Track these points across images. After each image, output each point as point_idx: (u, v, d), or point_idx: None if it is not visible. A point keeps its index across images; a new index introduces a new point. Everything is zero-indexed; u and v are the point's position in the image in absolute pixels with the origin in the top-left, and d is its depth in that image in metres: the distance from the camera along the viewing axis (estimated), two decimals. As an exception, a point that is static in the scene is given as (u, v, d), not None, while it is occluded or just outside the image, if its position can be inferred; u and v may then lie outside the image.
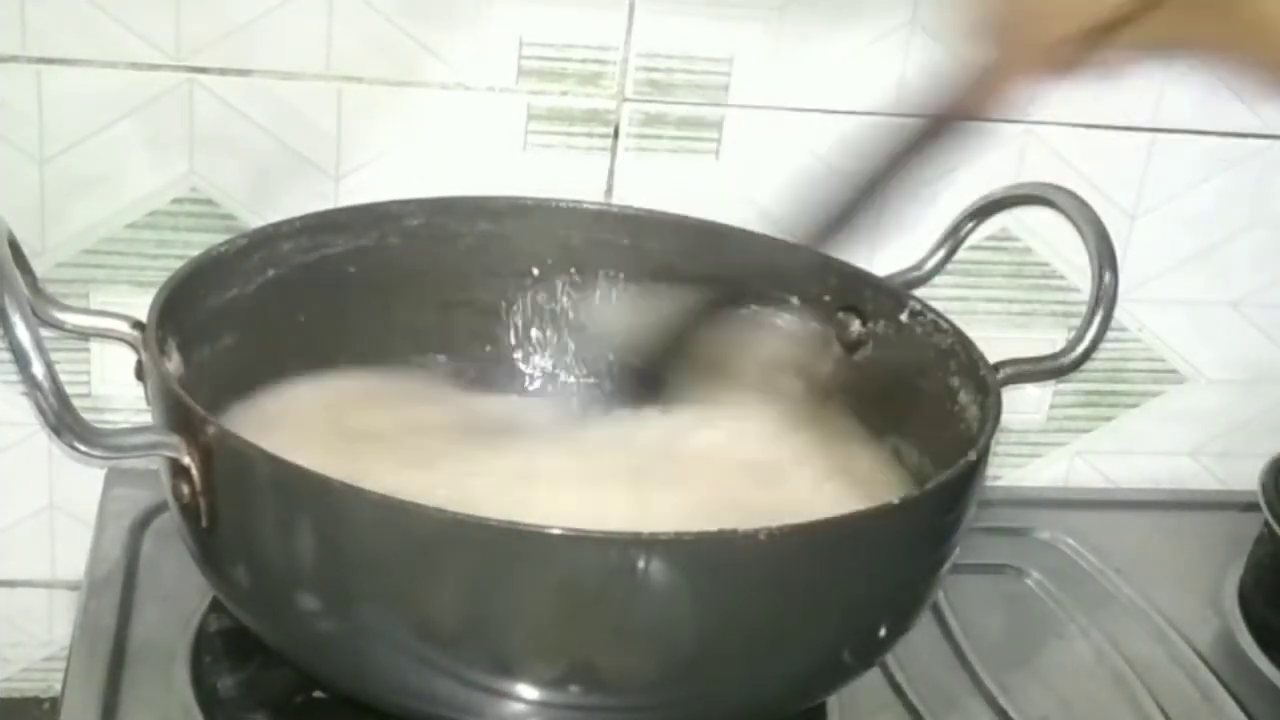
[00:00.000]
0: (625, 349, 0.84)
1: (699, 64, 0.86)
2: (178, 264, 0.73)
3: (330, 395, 0.78)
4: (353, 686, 0.65)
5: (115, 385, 0.86)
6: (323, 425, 0.75)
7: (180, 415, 0.62)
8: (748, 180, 0.88)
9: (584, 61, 0.85)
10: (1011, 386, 0.73)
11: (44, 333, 0.59)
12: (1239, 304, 0.96)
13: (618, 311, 0.84)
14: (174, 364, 0.69)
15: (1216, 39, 0.60)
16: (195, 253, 0.74)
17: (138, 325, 0.69)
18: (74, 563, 0.85)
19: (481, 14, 0.83)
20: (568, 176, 0.86)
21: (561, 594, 0.58)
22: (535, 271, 0.84)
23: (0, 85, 0.80)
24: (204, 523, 0.62)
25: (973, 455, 0.65)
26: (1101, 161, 0.91)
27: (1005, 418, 0.69)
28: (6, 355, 0.64)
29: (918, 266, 0.83)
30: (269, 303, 0.76)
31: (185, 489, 0.62)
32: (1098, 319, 0.75)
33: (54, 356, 0.58)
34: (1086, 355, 0.76)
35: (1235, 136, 0.92)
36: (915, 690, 0.76)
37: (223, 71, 0.81)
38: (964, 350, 0.74)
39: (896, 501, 0.66)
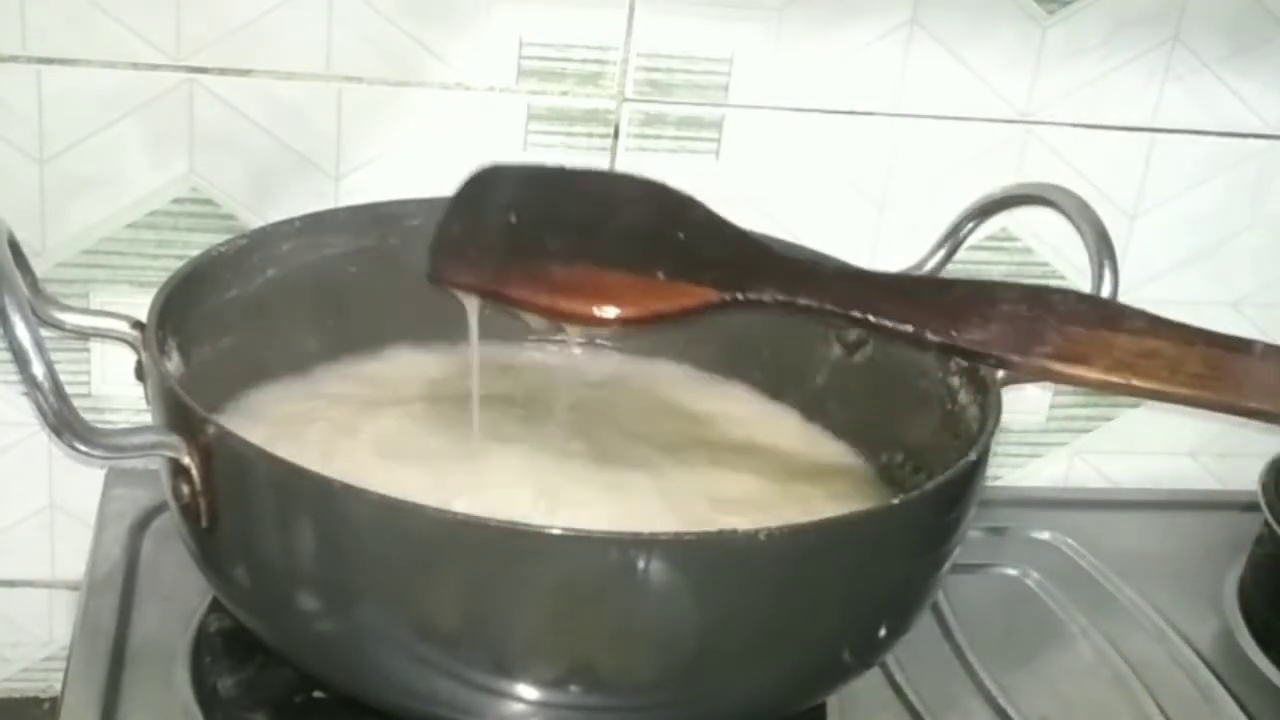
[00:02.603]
0: (625, 346, 0.84)
1: (699, 64, 0.86)
2: (178, 264, 0.73)
3: (330, 394, 0.78)
4: (353, 686, 0.65)
5: (115, 385, 0.86)
6: (323, 424, 0.75)
7: (180, 415, 0.62)
8: (748, 180, 0.88)
9: (584, 61, 0.85)
10: (1011, 386, 0.73)
11: (44, 333, 0.59)
12: (1239, 304, 0.96)
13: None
14: (174, 364, 0.69)
15: None
16: (195, 253, 0.74)
17: (138, 325, 0.69)
18: (74, 563, 0.85)
19: (481, 14, 0.83)
20: (568, 176, 0.86)
21: (561, 594, 0.58)
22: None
23: (0, 85, 0.80)
24: (204, 523, 0.62)
25: (973, 455, 0.65)
26: (1101, 161, 0.91)
27: (1005, 418, 0.68)
28: (6, 355, 0.64)
29: (918, 266, 0.83)
30: (269, 303, 0.76)
31: (185, 489, 0.62)
32: (1098, 319, 0.75)
33: (54, 356, 0.58)
34: (1087, 355, 0.76)
35: (1235, 136, 0.92)
36: (915, 690, 0.76)
37: (223, 71, 0.81)
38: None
39: (896, 501, 0.66)
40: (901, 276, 0.64)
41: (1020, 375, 0.66)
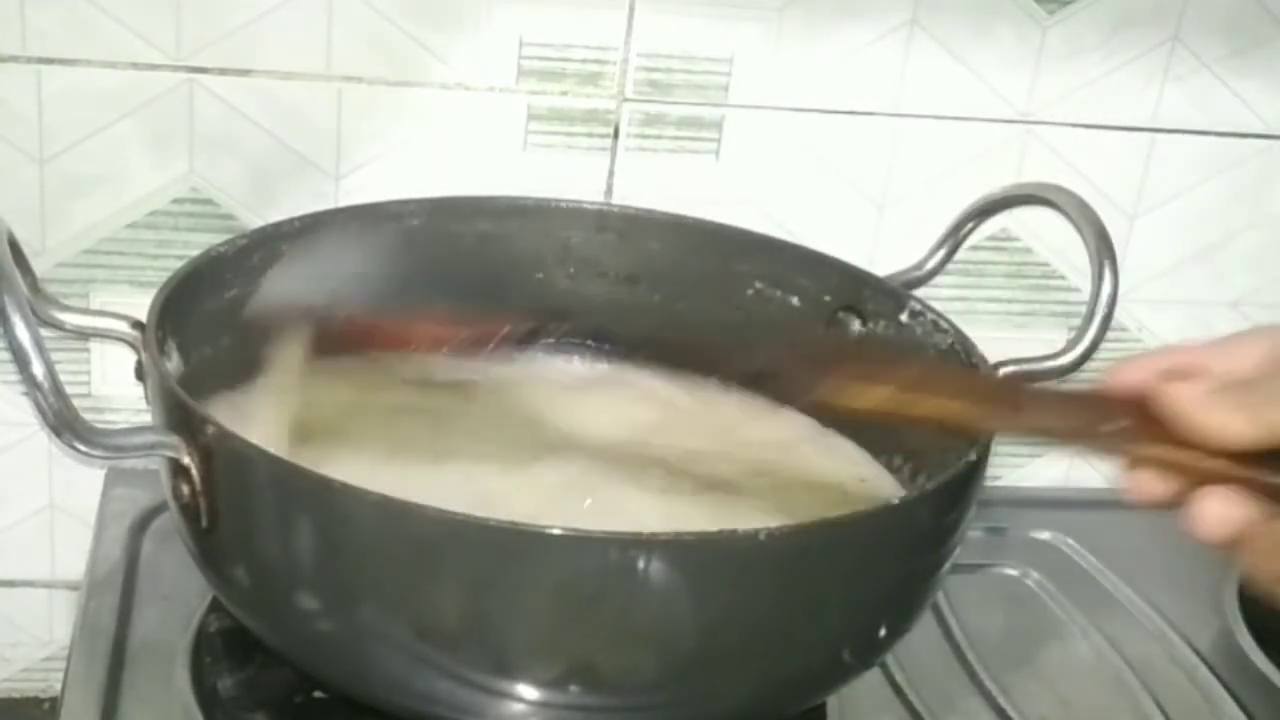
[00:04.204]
0: (625, 346, 0.85)
1: (699, 64, 0.86)
2: (178, 264, 0.73)
3: (330, 394, 0.78)
4: (353, 686, 0.65)
5: (115, 385, 0.86)
6: (323, 424, 0.75)
7: (180, 415, 0.62)
8: (748, 180, 0.88)
9: (584, 61, 0.85)
10: (1012, 386, 0.73)
11: (44, 333, 0.59)
12: (1238, 304, 0.96)
13: (618, 311, 0.84)
14: (174, 364, 0.69)
15: None
16: (195, 253, 0.74)
17: (138, 325, 0.69)
18: (74, 563, 0.85)
19: (481, 14, 0.83)
20: (568, 176, 0.86)
21: (561, 594, 0.58)
22: (537, 273, 0.84)
23: (0, 85, 0.80)
24: (204, 523, 0.62)
25: (973, 455, 0.65)
26: (1101, 161, 0.91)
27: (1005, 418, 0.68)
28: (6, 355, 0.64)
29: (918, 266, 0.83)
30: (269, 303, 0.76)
31: (185, 489, 0.62)
32: (1097, 319, 0.75)
33: (54, 356, 0.58)
34: (1086, 355, 0.76)
35: (1235, 136, 0.92)
36: (915, 690, 0.76)
37: (223, 71, 0.81)
38: (964, 350, 0.74)
39: (896, 501, 0.66)
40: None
41: (812, 398, 0.67)
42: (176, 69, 0.81)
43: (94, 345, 0.85)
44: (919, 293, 0.79)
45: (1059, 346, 0.77)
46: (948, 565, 0.67)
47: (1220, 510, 0.54)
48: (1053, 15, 0.87)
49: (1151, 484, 0.57)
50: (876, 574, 0.63)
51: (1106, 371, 0.59)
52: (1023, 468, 0.98)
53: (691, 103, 0.86)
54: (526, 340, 0.69)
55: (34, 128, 0.81)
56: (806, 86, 0.87)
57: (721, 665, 0.61)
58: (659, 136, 0.87)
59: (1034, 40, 0.88)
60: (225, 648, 0.73)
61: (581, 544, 0.57)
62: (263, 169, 0.83)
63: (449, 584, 0.59)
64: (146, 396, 0.67)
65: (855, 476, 0.76)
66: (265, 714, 0.70)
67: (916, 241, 0.84)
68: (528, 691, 0.60)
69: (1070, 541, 0.91)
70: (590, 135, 0.86)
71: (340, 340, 0.71)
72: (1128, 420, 0.57)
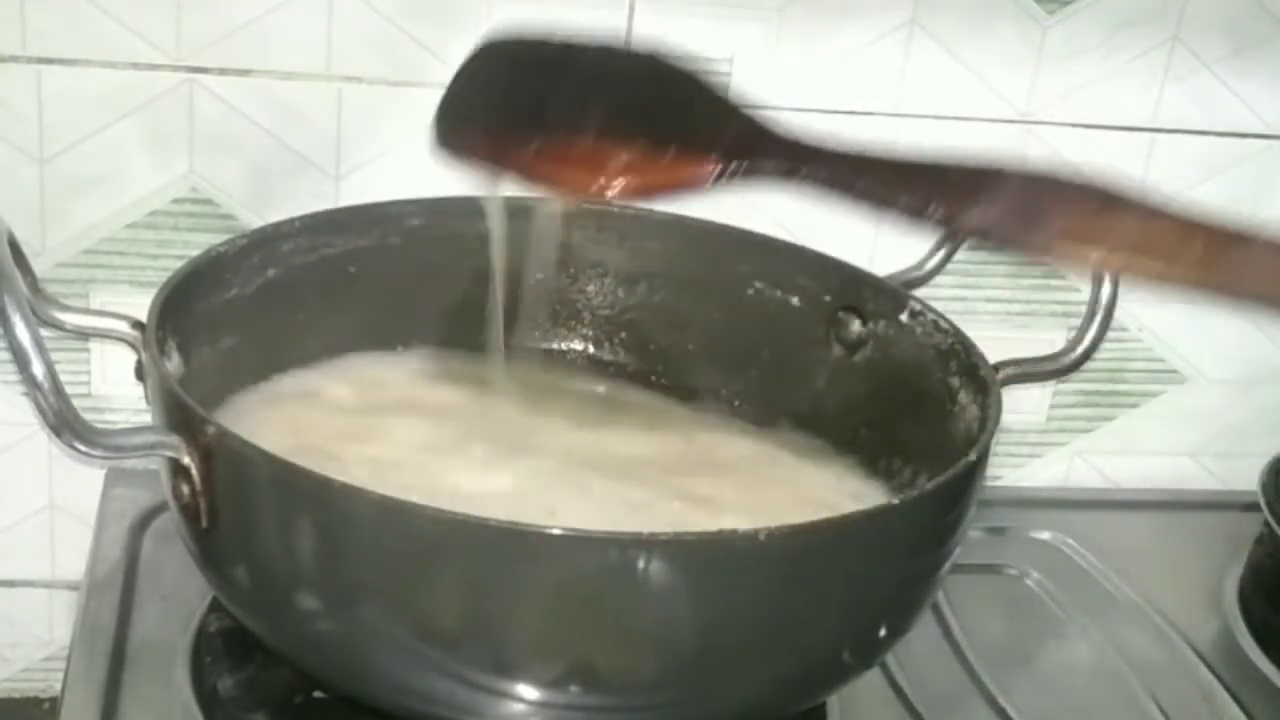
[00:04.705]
0: (625, 346, 0.85)
1: (699, 64, 0.85)
2: (178, 264, 0.73)
3: (331, 395, 0.78)
4: (353, 686, 0.65)
5: (115, 385, 0.86)
6: (321, 425, 0.75)
7: (180, 415, 0.62)
8: (748, 180, 0.88)
9: (584, 61, 0.85)
10: (1011, 386, 0.73)
11: (44, 333, 0.59)
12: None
13: (618, 311, 0.85)
14: (174, 364, 0.69)
15: None
16: (195, 253, 0.74)
17: (138, 325, 0.69)
18: (74, 563, 0.85)
19: (481, 14, 0.83)
20: (568, 176, 0.86)
21: (561, 594, 0.58)
22: (537, 273, 0.83)
23: (0, 85, 0.80)
24: (204, 523, 0.62)
25: (973, 455, 0.65)
26: (1101, 161, 0.91)
27: (1005, 418, 0.68)
28: (6, 355, 0.64)
29: (918, 266, 0.83)
30: (269, 303, 0.76)
31: (185, 489, 0.62)
32: (1098, 319, 0.75)
33: (54, 356, 0.58)
34: (1086, 355, 0.76)
35: (1235, 136, 0.92)
36: (915, 690, 0.76)
37: (223, 71, 0.81)
38: (964, 350, 0.74)
39: (896, 501, 0.66)
40: (902, 159, 0.62)
41: (1026, 253, 0.65)
42: (176, 69, 0.81)
43: (94, 345, 0.85)
44: (919, 293, 0.79)
45: (1059, 346, 0.77)
46: (948, 565, 0.67)
47: None
48: (1053, 15, 0.87)
49: None
50: (876, 574, 0.63)
51: None
52: (1022, 468, 0.98)
53: (691, 103, 0.86)
54: (723, 179, 0.63)
55: (34, 128, 0.81)
56: (806, 86, 0.87)
57: (721, 665, 0.61)
58: (659, 136, 0.87)
59: (1034, 40, 0.88)
60: (225, 648, 0.73)
61: (581, 544, 0.57)
62: (263, 169, 0.83)
63: (449, 584, 0.59)
64: (146, 396, 0.67)
65: (849, 492, 0.76)
66: (265, 714, 0.70)
67: (916, 241, 0.84)
68: (528, 691, 0.60)
69: (1070, 541, 0.91)
70: (590, 135, 0.86)
71: (531, 167, 0.65)
72: None
